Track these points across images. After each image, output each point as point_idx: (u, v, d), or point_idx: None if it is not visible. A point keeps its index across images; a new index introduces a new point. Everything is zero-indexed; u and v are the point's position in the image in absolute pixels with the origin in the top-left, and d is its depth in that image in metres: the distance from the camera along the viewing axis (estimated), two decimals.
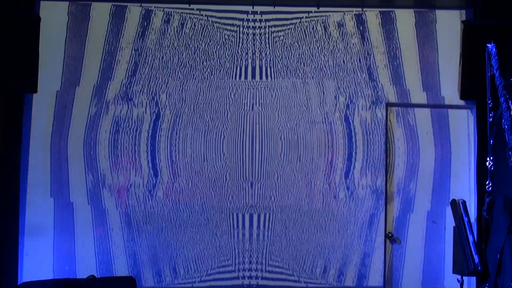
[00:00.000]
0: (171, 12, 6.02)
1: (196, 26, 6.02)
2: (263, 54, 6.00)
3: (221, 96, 5.96)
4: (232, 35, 6.02)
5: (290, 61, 6.00)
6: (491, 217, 5.07)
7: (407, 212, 5.92)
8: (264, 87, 5.97)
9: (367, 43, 6.02)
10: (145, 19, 6.00)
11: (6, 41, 5.51)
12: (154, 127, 5.92)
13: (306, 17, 6.05)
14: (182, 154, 5.90)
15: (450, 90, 5.96)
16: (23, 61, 5.56)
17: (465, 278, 4.96)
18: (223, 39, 6.01)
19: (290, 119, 5.95)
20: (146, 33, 5.99)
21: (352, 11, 6.05)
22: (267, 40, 6.02)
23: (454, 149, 5.97)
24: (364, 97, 5.98)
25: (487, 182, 4.80)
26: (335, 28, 6.04)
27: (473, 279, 5.66)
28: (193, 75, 5.97)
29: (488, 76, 4.83)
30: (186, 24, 6.02)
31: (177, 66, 5.97)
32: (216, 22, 6.03)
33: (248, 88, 5.97)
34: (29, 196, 5.78)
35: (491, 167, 4.78)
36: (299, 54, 6.00)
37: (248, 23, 6.04)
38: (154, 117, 5.93)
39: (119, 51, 5.96)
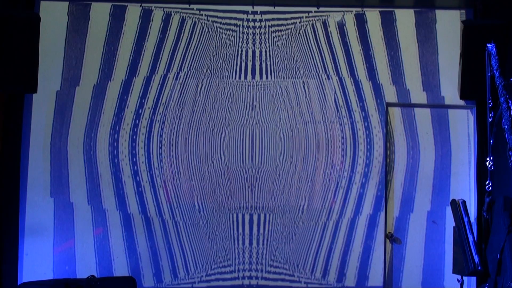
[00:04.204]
0: (171, 12, 6.02)
1: (196, 26, 6.02)
2: (263, 54, 6.01)
3: (221, 95, 5.96)
4: (232, 35, 6.02)
5: (290, 61, 6.00)
6: (491, 217, 5.07)
7: (407, 212, 5.93)
8: (264, 87, 5.98)
9: (367, 43, 6.02)
10: (145, 19, 6.00)
11: (6, 41, 5.51)
12: (154, 126, 5.92)
13: (306, 17, 6.05)
14: (182, 154, 5.90)
15: (450, 90, 5.96)
16: (23, 61, 5.56)
17: (465, 278, 4.97)
18: (223, 39, 6.01)
19: (290, 119, 5.95)
20: (146, 33, 5.99)
21: (352, 11, 6.05)
22: (267, 40, 6.02)
23: (454, 149, 5.97)
24: (364, 97, 5.98)
25: (487, 182, 4.81)
26: (335, 28, 6.04)
27: (473, 279, 5.66)
28: (193, 74, 5.97)
29: (488, 76, 4.84)
30: (186, 24, 6.02)
31: (177, 66, 5.97)
32: (216, 22, 6.03)
33: (248, 88, 5.97)
34: (29, 196, 5.78)
35: (491, 167, 4.79)
36: (299, 54, 6.00)
37: (248, 23, 6.04)
38: (154, 116, 5.93)
39: (119, 51, 5.96)
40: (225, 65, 5.99)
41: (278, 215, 5.87)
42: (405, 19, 6.06)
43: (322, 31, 6.04)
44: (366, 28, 6.04)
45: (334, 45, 6.02)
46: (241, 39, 6.02)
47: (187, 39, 6.00)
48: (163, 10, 6.01)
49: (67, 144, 5.87)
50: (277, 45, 6.02)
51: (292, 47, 6.02)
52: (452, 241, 5.02)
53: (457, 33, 5.93)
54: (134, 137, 5.90)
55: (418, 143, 5.98)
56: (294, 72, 5.99)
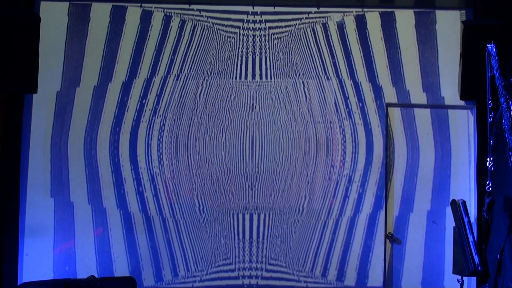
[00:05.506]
0: (171, 13, 6.02)
1: (196, 27, 6.02)
2: (263, 55, 6.01)
3: (221, 96, 5.96)
4: (232, 35, 6.02)
5: (290, 61, 6.00)
6: (491, 218, 5.08)
7: (407, 212, 5.93)
8: (264, 87, 5.98)
9: (367, 44, 6.02)
10: (145, 20, 6.01)
11: (6, 41, 5.51)
12: (155, 126, 5.92)
13: (306, 18, 6.06)
14: (182, 154, 5.90)
15: (450, 90, 5.97)
16: (23, 61, 5.56)
17: (465, 278, 4.97)
18: (223, 40, 6.01)
19: (290, 119, 5.95)
20: (146, 33, 5.99)
21: (352, 12, 6.06)
22: (267, 40, 6.02)
23: (454, 149, 5.98)
24: (364, 98, 5.98)
25: (487, 183, 4.82)
26: (335, 29, 6.04)
27: (473, 279, 5.67)
28: (193, 75, 5.98)
29: (488, 76, 4.85)
30: (186, 24, 6.02)
31: (177, 66, 5.97)
32: (216, 23, 6.03)
33: (248, 88, 5.98)
34: (29, 196, 5.78)
35: (491, 167, 4.79)
36: (299, 54, 6.01)
37: (248, 24, 6.05)
38: (154, 117, 5.93)
39: (119, 51, 5.96)
40: (225, 65, 5.99)
41: (278, 214, 5.88)
42: (405, 19, 6.06)
43: (322, 32, 6.04)
44: (366, 29, 6.04)
45: (334, 46, 6.03)
46: (241, 40, 6.02)
47: (187, 40, 6.00)
48: (163, 11, 6.01)
49: (67, 144, 5.87)
50: (277, 45, 6.02)
51: (292, 47, 6.02)
52: (452, 241, 5.03)
53: (457, 34, 5.94)
54: (135, 137, 5.90)
55: (418, 144, 5.98)
56: (294, 73, 5.99)
